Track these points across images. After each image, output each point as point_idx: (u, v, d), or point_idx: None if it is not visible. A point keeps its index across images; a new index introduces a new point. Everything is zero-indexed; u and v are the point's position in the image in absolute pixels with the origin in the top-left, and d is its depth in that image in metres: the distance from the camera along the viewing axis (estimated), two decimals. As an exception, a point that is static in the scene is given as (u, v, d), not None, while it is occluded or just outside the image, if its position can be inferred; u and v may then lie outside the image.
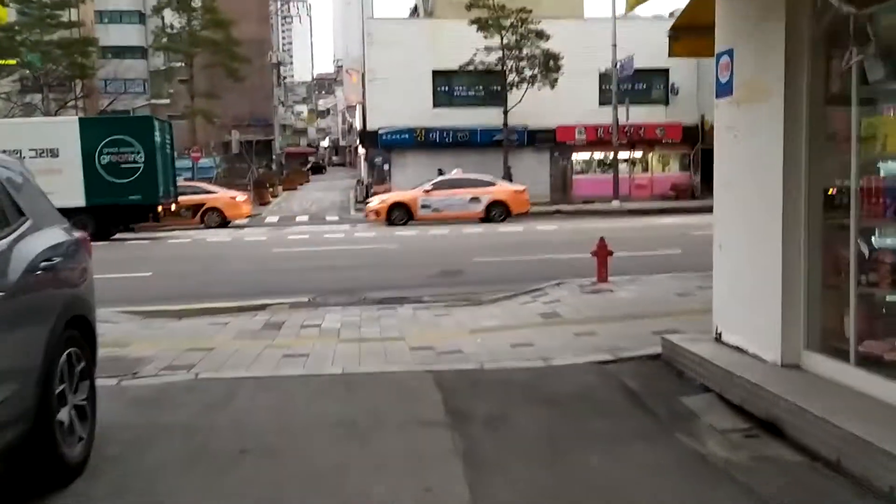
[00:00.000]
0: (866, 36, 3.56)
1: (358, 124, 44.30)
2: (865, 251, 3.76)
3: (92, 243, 4.31)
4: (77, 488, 3.29)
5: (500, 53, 27.48)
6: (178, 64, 44.10)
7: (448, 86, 31.02)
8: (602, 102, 29.81)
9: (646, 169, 32.41)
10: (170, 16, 41.99)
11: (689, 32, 5.41)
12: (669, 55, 5.73)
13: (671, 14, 31.04)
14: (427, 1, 41.16)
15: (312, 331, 6.80)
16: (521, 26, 27.24)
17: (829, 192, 4.02)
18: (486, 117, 29.41)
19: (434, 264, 11.95)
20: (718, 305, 4.92)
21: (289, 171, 52.98)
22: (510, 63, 27.71)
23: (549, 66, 27.40)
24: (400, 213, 21.74)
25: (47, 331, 3.21)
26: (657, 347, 5.30)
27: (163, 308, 8.40)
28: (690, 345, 4.87)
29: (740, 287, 4.64)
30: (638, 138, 30.70)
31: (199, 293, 9.54)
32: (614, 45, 26.52)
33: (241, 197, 24.65)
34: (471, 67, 27.75)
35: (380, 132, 30.74)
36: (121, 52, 50.37)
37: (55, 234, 3.73)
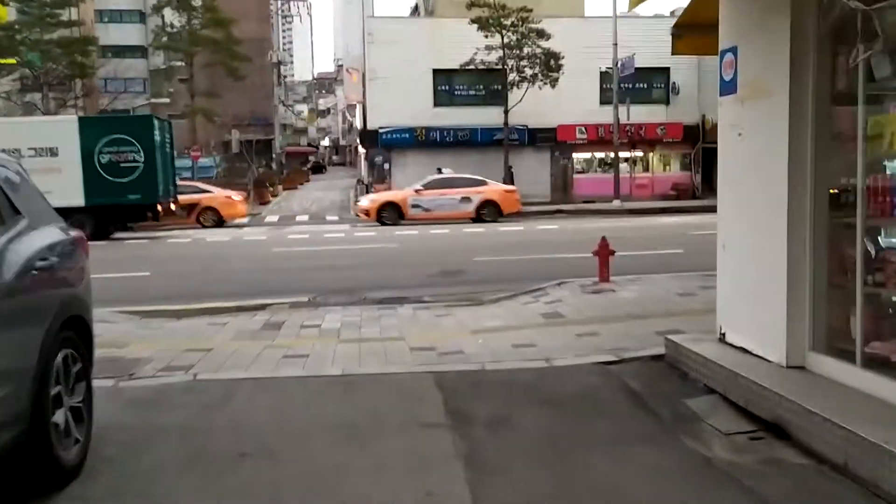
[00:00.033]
0: (874, 32, 3.51)
1: (358, 123, 44.23)
2: (872, 250, 3.71)
3: (91, 243, 4.27)
4: (73, 491, 3.25)
5: (500, 52, 27.43)
6: (179, 63, 44.09)
7: (449, 85, 30.98)
8: (603, 102, 29.75)
9: (647, 168, 32.37)
10: (170, 15, 41.97)
11: (693, 30, 5.36)
12: (672, 53, 5.68)
13: (672, 13, 31.10)
14: (428, 0, 41.12)
15: (312, 331, 6.76)
16: (522, 25, 27.19)
17: (835, 191, 3.97)
18: (486, 117, 29.37)
19: (434, 264, 11.90)
20: (722, 305, 4.87)
21: (289, 171, 52.93)
22: (511, 62, 27.66)
23: (550, 65, 27.35)
24: (390, 213, 21.65)
25: (43, 331, 3.17)
26: (660, 348, 5.26)
27: (161, 308, 8.35)
28: (694, 345, 4.82)
29: (745, 287, 4.59)
30: (639, 138, 30.66)
31: (199, 293, 9.49)
32: (615, 44, 26.46)
33: (237, 196, 24.51)
34: (471, 66, 27.70)
35: (380, 131, 30.69)
36: (121, 51, 50.35)
37: (51, 234, 3.68)
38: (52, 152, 18.59)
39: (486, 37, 27.13)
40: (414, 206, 21.66)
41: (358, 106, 42.09)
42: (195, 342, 6.33)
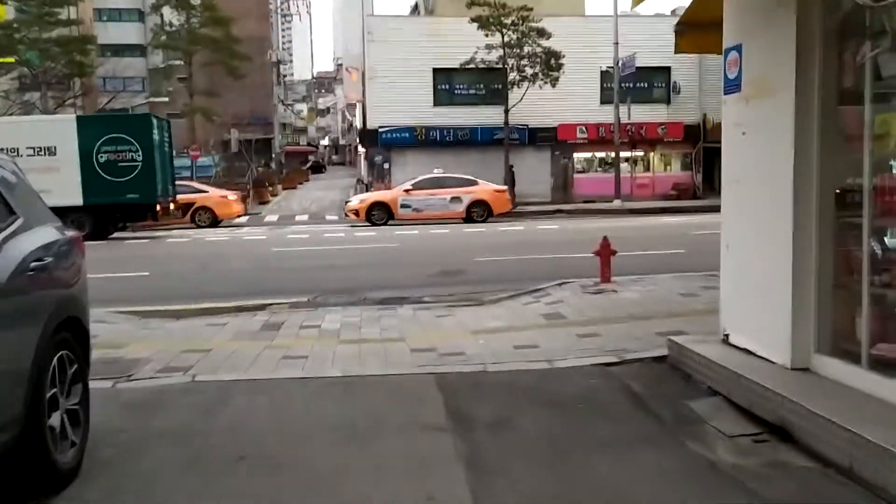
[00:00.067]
0: (882, 29, 3.46)
1: (358, 123, 44.20)
2: (878, 251, 3.67)
3: (90, 242, 4.23)
4: (69, 494, 3.20)
5: (501, 51, 27.38)
6: (178, 62, 44.01)
7: (449, 84, 30.94)
8: (603, 101, 29.73)
9: (647, 168, 32.35)
10: (169, 13, 41.89)
11: (696, 28, 5.31)
12: (676, 51, 5.64)
13: (673, 11, 31.04)
14: (427, -1, 41.07)
15: (312, 331, 6.71)
16: (522, 24, 27.13)
17: (841, 191, 3.92)
18: (486, 116, 29.35)
19: (435, 263, 11.86)
20: (725, 306, 4.82)
21: (288, 170, 52.88)
22: (511, 61, 27.61)
23: (551, 64, 27.30)
24: (380, 213, 21.53)
25: (38, 333, 3.12)
26: (662, 349, 5.21)
27: (160, 308, 8.30)
28: (697, 347, 4.78)
29: (748, 287, 4.54)
30: (639, 137, 30.63)
31: (198, 293, 9.45)
32: (616, 44, 26.41)
33: (232, 196, 24.40)
34: (471, 65, 27.65)
35: (380, 131, 30.66)
36: (120, 49, 50.32)
37: (47, 233, 3.64)
38: (51, 151, 18.52)
39: (487, 35, 27.08)
40: (403, 206, 21.54)
41: (357, 105, 42.07)
42: (194, 343, 6.28)
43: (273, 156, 57.29)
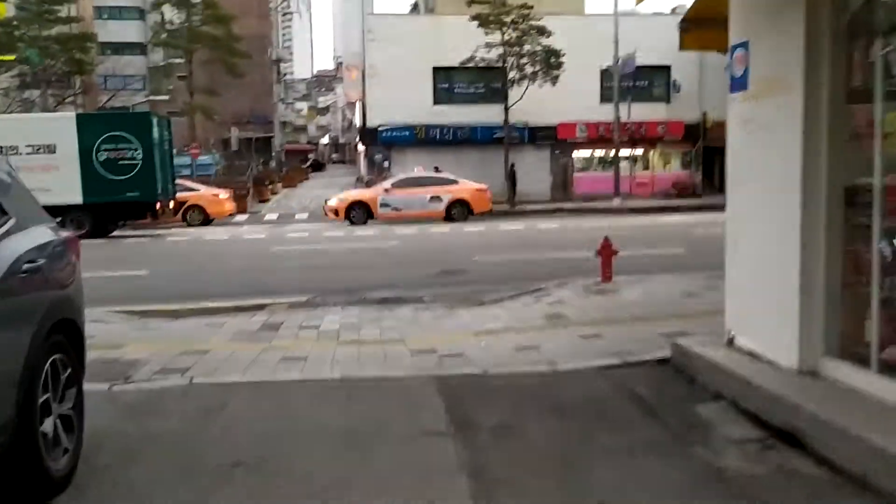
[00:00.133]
0: (893, 27, 3.38)
1: (358, 121, 44.09)
2: (888, 252, 3.59)
3: (89, 240, 4.15)
4: (61, 502, 3.13)
5: (501, 50, 27.28)
6: (178, 60, 43.91)
7: (449, 82, 30.84)
8: (603, 99, 29.60)
9: (647, 167, 32.25)
10: (169, 11, 41.78)
11: (701, 25, 5.23)
12: (680, 48, 5.55)
13: (674, 10, 30.92)
14: (427, -3, 40.94)
15: (311, 332, 6.64)
16: (523, 22, 27.03)
17: (850, 191, 3.84)
18: (486, 114, 29.24)
19: (434, 263, 11.79)
20: (731, 308, 4.75)
21: (288, 169, 52.77)
22: (511, 60, 27.50)
23: (551, 62, 27.20)
24: (359, 213, 21.33)
25: (30, 336, 3.04)
26: (666, 351, 5.14)
27: (159, 308, 8.25)
28: (701, 349, 4.70)
29: (754, 289, 4.47)
30: (639, 136, 30.51)
31: (197, 292, 9.37)
32: (616, 42, 26.31)
33: (223, 194, 24.22)
34: (471, 64, 27.54)
35: (380, 129, 30.58)
36: (120, 47, 50.21)
37: (41, 234, 3.56)
38: (50, 149, 18.44)
39: (487, 34, 26.98)
40: (383, 205, 21.33)
41: (357, 103, 41.95)
42: (192, 343, 6.22)
43: (273, 154, 57.20)
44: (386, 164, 30.83)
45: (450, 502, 3.12)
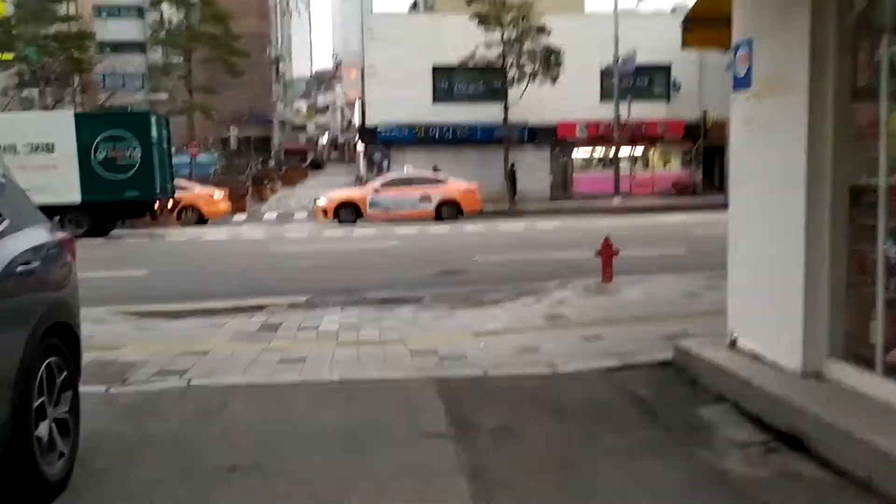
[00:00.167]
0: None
1: (357, 120, 44.02)
2: (893, 253, 3.55)
3: (88, 240, 4.11)
4: (57, 507, 3.09)
5: (500, 49, 27.23)
6: (177, 59, 43.82)
7: (448, 81, 30.78)
8: (603, 98, 29.56)
9: (647, 166, 32.21)
10: (168, 10, 41.70)
11: (704, 23, 5.17)
12: (683, 47, 5.50)
13: (673, 10, 30.88)
14: (427, -4, 40.88)
15: (310, 333, 6.60)
16: (523, 21, 26.97)
17: (855, 190, 3.80)
18: (486, 113, 29.17)
19: (434, 263, 11.75)
20: (733, 309, 4.71)
21: (287, 168, 52.67)
22: (511, 58, 27.45)
23: (550, 61, 27.15)
24: (348, 212, 21.24)
25: (24, 339, 2.99)
26: (668, 352, 5.10)
27: (157, 308, 8.20)
28: (703, 351, 4.67)
29: (757, 290, 4.43)
30: (639, 135, 30.46)
31: (196, 292, 9.33)
32: (616, 41, 26.27)
33: (218, 194, 24.10)
34: (471, 63, 27.49)
35: (379, 128, 30.52)
36: (119, 46, 50.08)
37: (35, 235, 3.51)
38: (49, 148, 18.35)
39: (487, 32, 26.91)
40: (372, 204, 21.24)
41: (357, 102, 41.89)
42: (191, 344, 6.18)
43: (272, 153, 57.13)
44: (385, 163, 30.76)
45: (450, 505, 3.09)
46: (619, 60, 26.50)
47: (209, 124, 44.22)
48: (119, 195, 18.60)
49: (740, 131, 4.53)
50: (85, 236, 17.48)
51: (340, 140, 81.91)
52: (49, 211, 3.93)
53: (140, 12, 54.01)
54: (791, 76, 3.94)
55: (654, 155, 32.26)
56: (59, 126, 18.94)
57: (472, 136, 30.18)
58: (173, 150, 22.57)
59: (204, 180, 27.69)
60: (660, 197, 29.60)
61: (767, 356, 4.28)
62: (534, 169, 30.10)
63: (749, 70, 4.32)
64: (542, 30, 27.00)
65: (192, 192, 23.50)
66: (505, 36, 27.12)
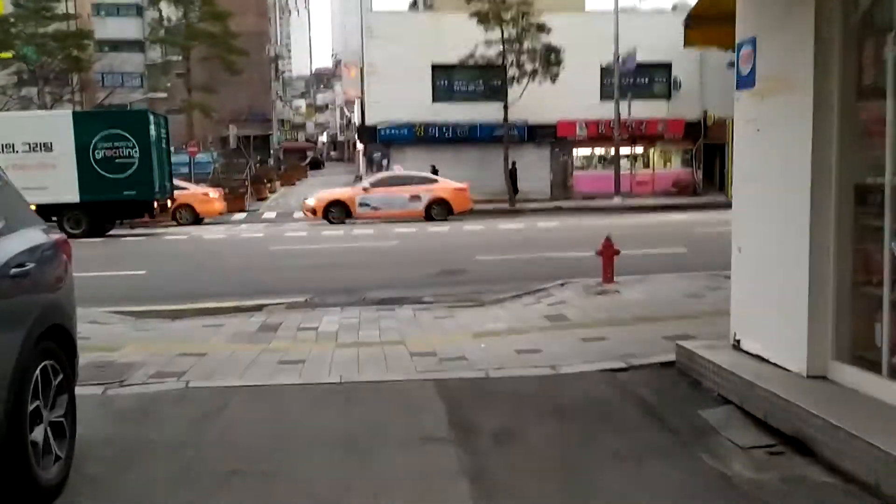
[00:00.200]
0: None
1: (356, 119, 43.94)
2: (900, 255, 3.51)
3: (86, 239, 4.06)
4: (52, 512, 3.05)
5: (500, 47, 27.15)
6: (176, 58, 43.74)
7: (448, 80, 30.70)
8: (603, 97, 29.50)
9: (647, 165, 32.16)
10: (167, 8, 41.60)
11: (706, 21, 5.12)
12: (685, 45, 5.44)
13: (674, 8, 30.82)
14: (427, -6, 40.80)
15: (309, 334, 6.55)
16: (522, 19, 26.88)
17: (861, 190, 3.76)
18: (486, 112, 29.10)
19: (434, 262, 11.70)
20: (737, 310, 4.66)
21: (287, 167, 52.63)
22: (511, 57, 27.37)
23: (550, 60, 27.07)
24: (337, 212, 21.16)
25: (19, 342, 2.95)
26: (670, 354, 5.05)
27: (156, 308, 8.17)
28: (707, 352, 4.61)
29: (762, 291, 4.38)
30: (640, 134, 30.41)
31: (195, 292, 9.29)
32: (616, 39, 26.21)
33: (213, 193, 24.02)
34: (471, 62, 27.41)
35: (378, 127, 30.46)
36: (117, 45, 50.02)
37: (30, 237, 3.46)
38: (47, 147, 18.29)
39: (486, 31, 26.84)
40: (362, 204, 21.15)
41: (356, 101, 41.80)
42: (189, 345, 6.13)
43: (271, 152, 57.03)
44: (385, 162, 30.70)
45: (452, 511, 3.04)
46: (620, 59, 26.43)
47: (208, 123, 44.11)
48: (117, 194, 18.55)
49: (744, 130, 4.48)
50: (83, 236, 17.45)
51: (340, 139, 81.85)
52: (47, 210, 3.88)
53: (139, 11, 53.95)
54: (795, 75, 3.89)
55: (655, 154, 32.20)
56: (58, 125, 18.89)
57: (471, 135, 30.12)
58: (172, 149, 22.51)
59: (203, 179, 27.59)
60: (660, 196, 29.55)
61: (772, 358, 4.23)
62: (534, 168, 30.04)
63: (753, 69, 4.27)
64: (541, 28, 26.89)
65: (188, 191, 23.43)
66: (505, 34, 27.01)
